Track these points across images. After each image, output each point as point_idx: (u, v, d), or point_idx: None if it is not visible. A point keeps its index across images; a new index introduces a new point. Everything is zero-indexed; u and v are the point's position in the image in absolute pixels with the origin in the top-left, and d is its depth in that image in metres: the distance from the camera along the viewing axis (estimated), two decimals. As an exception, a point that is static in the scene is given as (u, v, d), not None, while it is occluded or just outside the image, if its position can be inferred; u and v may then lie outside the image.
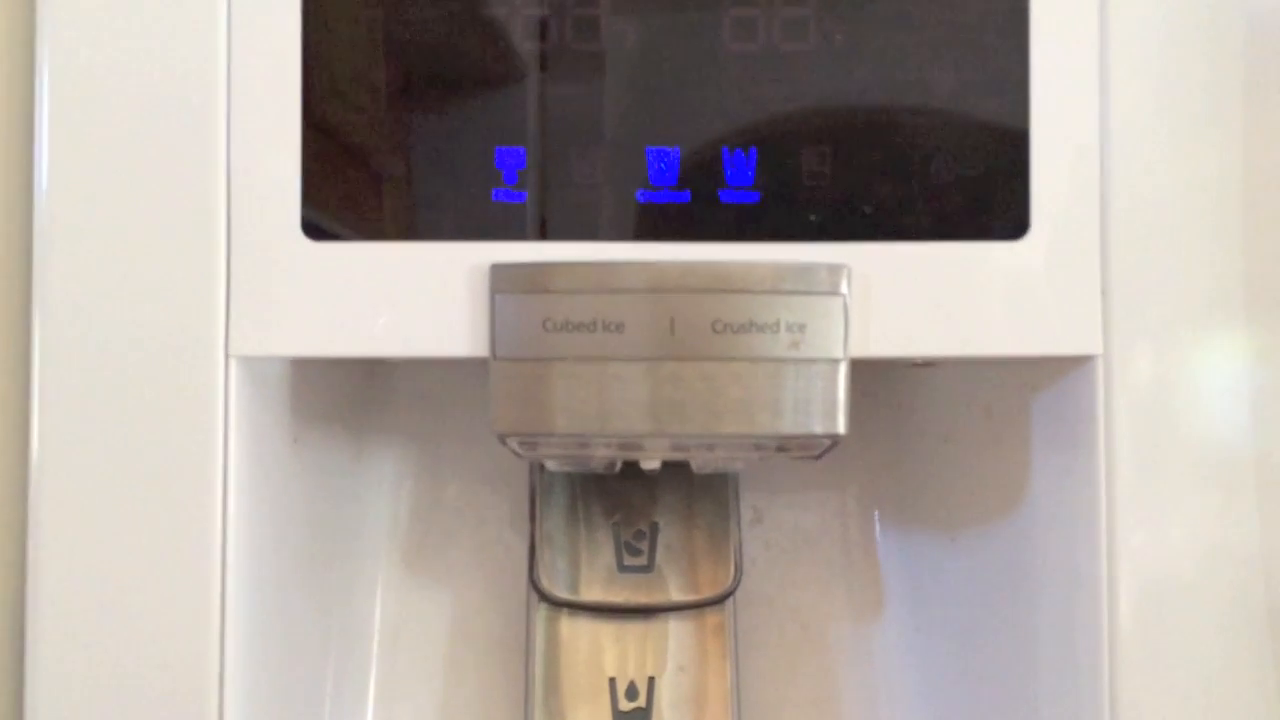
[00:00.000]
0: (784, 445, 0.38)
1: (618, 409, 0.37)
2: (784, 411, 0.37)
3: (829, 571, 0.56)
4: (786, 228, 0.39)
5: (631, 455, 0.42)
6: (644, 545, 0.51)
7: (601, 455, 0.41)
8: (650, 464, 0.44)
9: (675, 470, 0.52)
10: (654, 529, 0.51)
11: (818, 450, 0.39)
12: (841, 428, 0.38)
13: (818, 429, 0.37)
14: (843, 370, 0.38)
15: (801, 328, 0.37)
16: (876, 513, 0.55)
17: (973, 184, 0.39)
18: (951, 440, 0.50)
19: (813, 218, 0.39)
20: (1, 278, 0.40)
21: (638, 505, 0.51)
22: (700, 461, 0.45)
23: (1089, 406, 0.40)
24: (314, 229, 0.38)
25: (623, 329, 0.37)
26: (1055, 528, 0.43)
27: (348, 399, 0.52)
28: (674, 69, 0.39)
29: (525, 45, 0.39)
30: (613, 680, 0.51)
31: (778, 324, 0.37)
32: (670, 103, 0.39)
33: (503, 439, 0.38)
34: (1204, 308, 0.39)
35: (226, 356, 0.39)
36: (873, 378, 0.57)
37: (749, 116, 0.39)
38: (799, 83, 0.39)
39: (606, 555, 0.51)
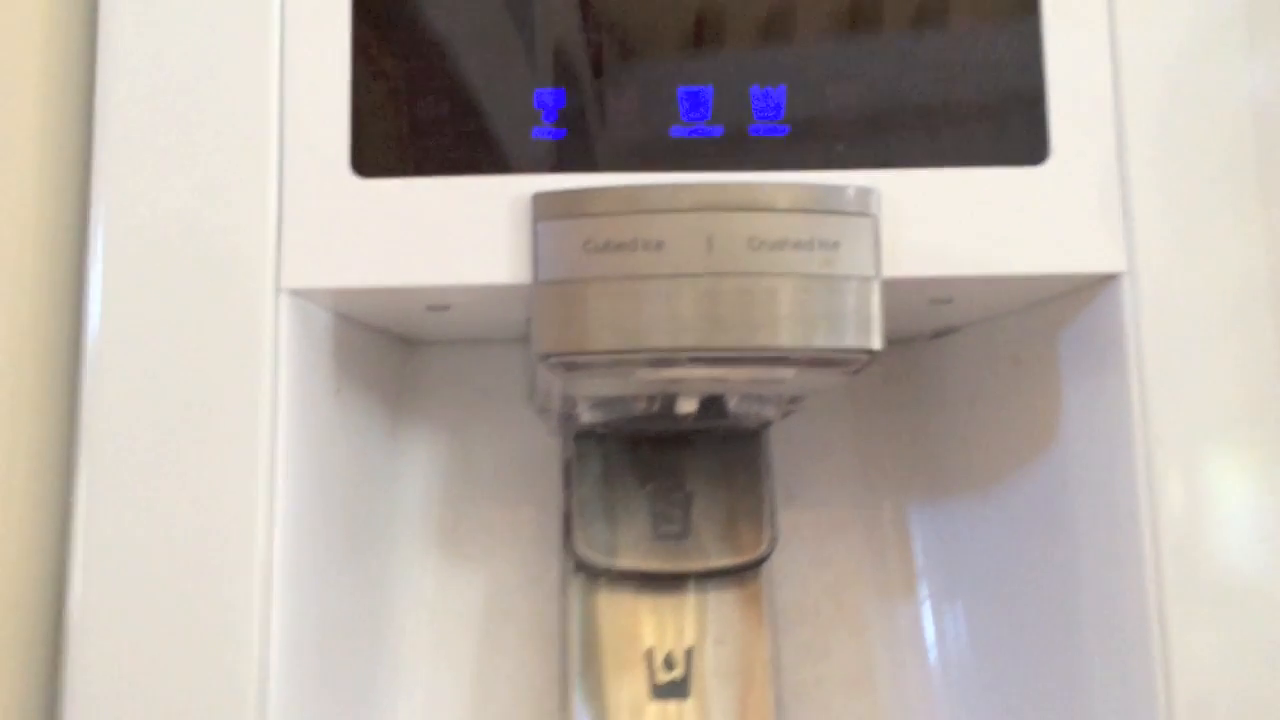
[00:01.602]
0: (819, 360, 0.39)
1: (657, 324, 0.38)
2: (818, 325, 0.38)
3: (862, 547, 0.55)
4: (815, 158, 0.40)
5: (670, 384, 0.42)
6: (678, 512, 0.51)
7: (641, 382, 0.42)
8: (687, 406, 0.45)
9: (707, 438, 0.52)
10: (688, 496, 0.51)
11: (853, 367, 0.39)
12: (876, 343, 0.39)
13: (851, 342, 0.38)
14: (875, 287, 0.39)
15: (835, 245, 0.38)
16: (906, 486, 0.55)
17: (994, 113, 0.41)
18: (978, 400, 0.51)
19: (840, 148, 0.40)
20: (60, 205, 0.41)
21: (671, 473, 0.52)
22: (737, 399, 0.46)
23: (1116, 328, 0.41)
24: (363, 166, 0.40)
25: (661, 247, 0.38)
26: (1090, 462, 0.43)
27: (386, 374, 0.53)
28: (704, 11, 0.41)
29: (563, -7, 0.41)
30: (650, 651, 0.50)
31: (812, 242, 0.38)
32: (701, 44, 0.41)
33: (545, 360, 0.38)
34: (1226, 224, 0.40)
35: (277, 290, 0.40)
36: (894, 360, 0.58)
37: (776, 55, 0.41)
38: (823, 21, 0.41)
39: (641, 523, 0.51)
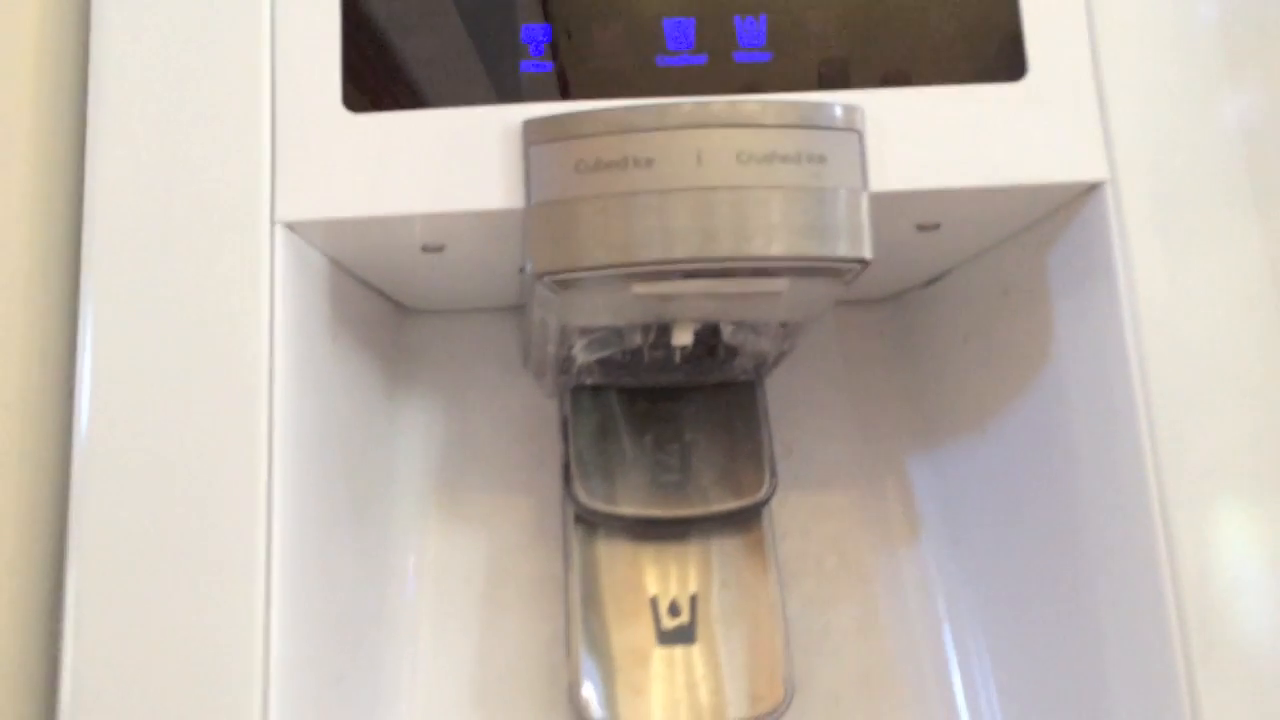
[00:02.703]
0: (811, 269, 0.39)
1: (650, 237, 0.38)
2: (809, 234, 0.38)
3: (862, 497, 0.55)
4: (799, 82, 0.41)
5: (664, 306, 0.43)
6: (676, 461, 0.51)
7: (635, 306, 0.42)
8: (682, 337, 0.45)
9: (703, 390, 0.52)
10: (686, 445, 0.51)
11: (846, 277, 0.40)
12: (867, 252, 0.39)
13: (842, 251, 0.39)
14: (864, 199, 0.39)
15: (821, 159, 0.39)
16: (903, 434, 0.56)
17: (971, 33, 0.42)
18: (971, 337, 0.51)
19: (823, 70, 0.41)
20: (55, 148, 0.42)
21: (669, 423, 0.52)
22: (731, 329, 0.46)
23: (1103, 239, 0.41)
24: (354, 102, 0.40)
25: (651, 164, 0.38)
26: (1084, 376, 0.43)
27: (382, 338, 0.53)
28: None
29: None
30: (654, 599, 0.50)
31: (799, 155, 0.39)
32: (682, -22, 0.42)
33: (541, 278, 0.39)
34: (1202, 130, 0.41)
35: (273, 223, 0.40)
36: (886, 314, 0.59)
37: (756, -14, 0.42)
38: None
39: (641, 472, 0.51)
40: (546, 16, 0.42)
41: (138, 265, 0.40)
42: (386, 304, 0.55)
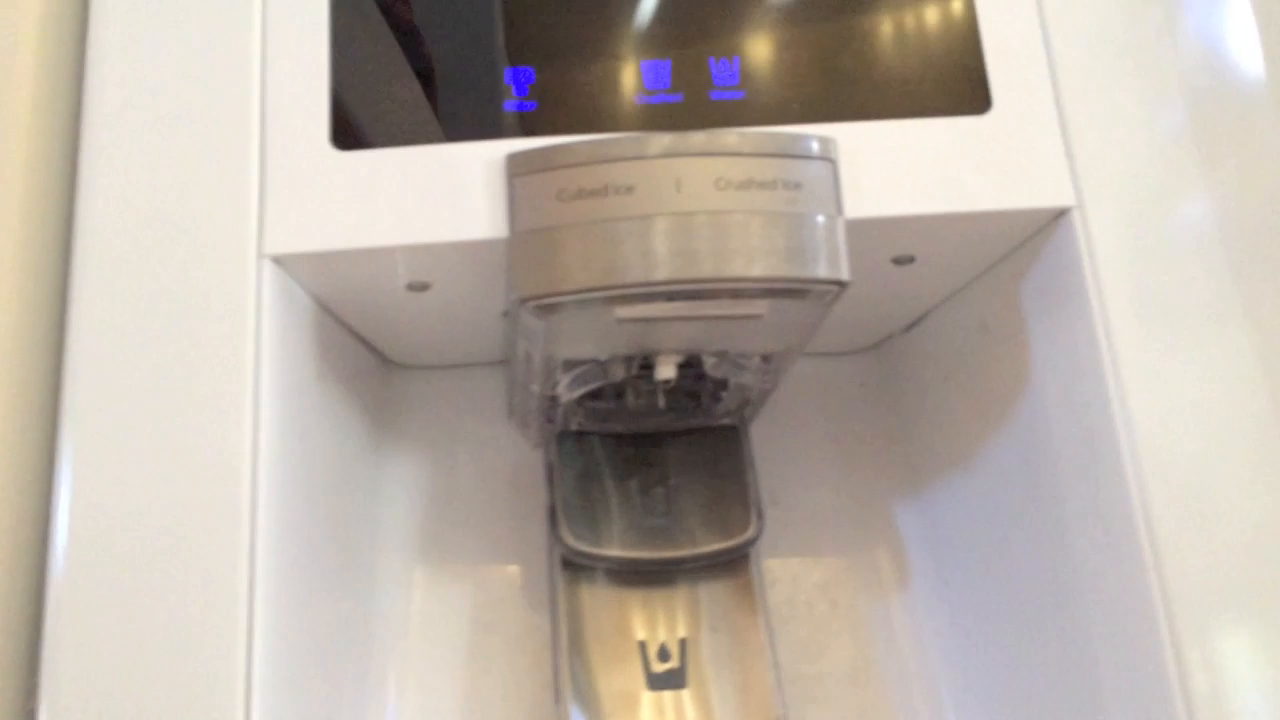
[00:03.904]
0: (790, 290, 0.40)
1: (631, 260, 0.39)
2: (788, 256, 0.39)
3: (850, 544, 0.55)
4: (773, 118, 0.43)
5: (646, 334, 0.43)
6: (662, 505, 0.51)
7: (617, 333, 0.42)
8: (665, 370, 0.45)
9: (688, 435, 0.53)
10: (672, 489, 0.51)
11: (824, 299, 0.40)
12: (844, 274, 0.40)
13: (820, 272, 0.39)
14: (839, 224, 0.40)
15: (797, 185, 0.40)
16: (888, 480, 0.56)
17: (938, 71, 0.43)
18: (952, 377, 0.52)
19: (795, 107, 0.43)
20: (48, 180, 0.42)
21: (653, 466, 0.52)
22: (714, 361, 0.46)
23: (1074, 263, 0.42)
24: (341, 139, 0.42)
25: (632, 191, 0.39)
26: (1063, 399, 0.44)
27: (367, 391, 0.53)
28: (660, -4, 0.44)
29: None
30: (643, 644, 0.49)
31: (775, 182, 0.40)
32: (660, 24, 0.44)
33: (524, 303, 0.39)
34: (1163, 156, 0.42)
35: (260, 257, 0.41)
36: (867, 363, 0.60)
37: (731, 30, 0.44)
38: (773, 4, 0.44)
39: (627, 515, 0.50)
40: (529, 59, 0.43)
41: (125, 295, 0.40)
42: (372, 357, 0.55)
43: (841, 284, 0.40)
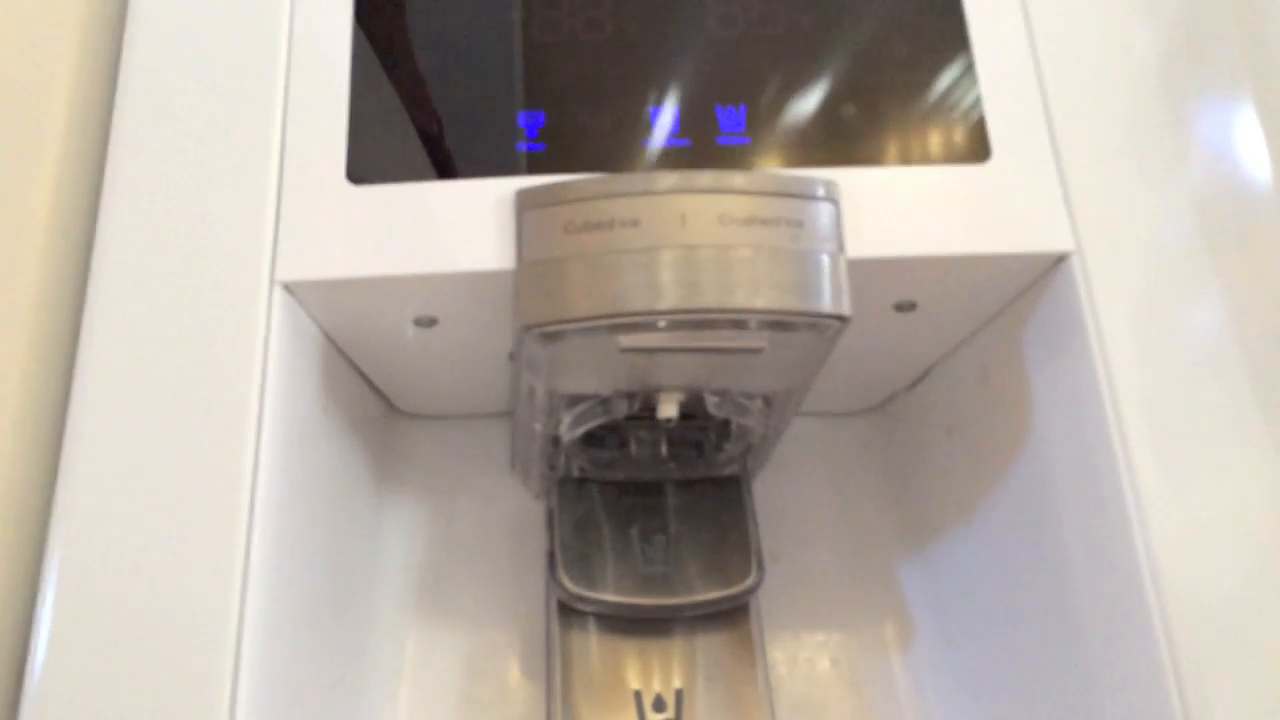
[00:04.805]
0: (792, 323, 0.40)
1: (635, 289, 0.39)
2: (791, 289, 0.40)
3: (851, 602, 0.54)
4: (778, 163, 0.44)
5: (649, 368, 0.43)
6: (662, 553, 0.50)
7: (620, 367, 0.43)
8: (668, 409, 0.45)
9: (689, 485, 0.52)
10: (672, 538, 0.51)
11: (827, 334, 0.41)
12: (846, 309, 0.40)
13: (823, 306, 0.40)
14: (842, 261, 0.41)
15: (800, 224, 0.41)
16: (891, 537, 0.55)
17: (940, 122, 0.44)
18: (954, 430, 0.52)
19: (800, 152, 0.44)
20: (70, 202, 0.43)
21: (654, 515, 0.51)
22: (717, 400, 0.46)
23: (1074, 308, 0.43)
24: (357, 175, 0.43)
25: (638, 224, 0.40)
26: (1067, 447, 0.44)
27: (370, 439, 0.53)
28: (672, 49, 0.46)
29: (544, 35, 0.46)
30: (638, 693, 0.48)
31: (778, 220, 0.41)
32: (668, 74, 0.45)
33: (529, 330, 0.40)
34: (1159, 200, 0.43)
35: (272, 283, 0.41)
36: (871, 426, 0.60)
37: (737, 82, 0.45)
38: (778, 55, 0.46)
39: (626, 562, 0.50)
40: (541, 103, 0.45)
41: (137, 315, 0.41)
42: (378, 403, 0.56)
43: (843, 319, 0.40)
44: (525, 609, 0.53)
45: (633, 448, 0.51)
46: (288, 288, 0.42)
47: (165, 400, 0.40)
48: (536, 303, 0.40)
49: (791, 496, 0.57)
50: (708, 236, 0.40)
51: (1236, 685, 0.38)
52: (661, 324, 0.40)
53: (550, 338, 0.40)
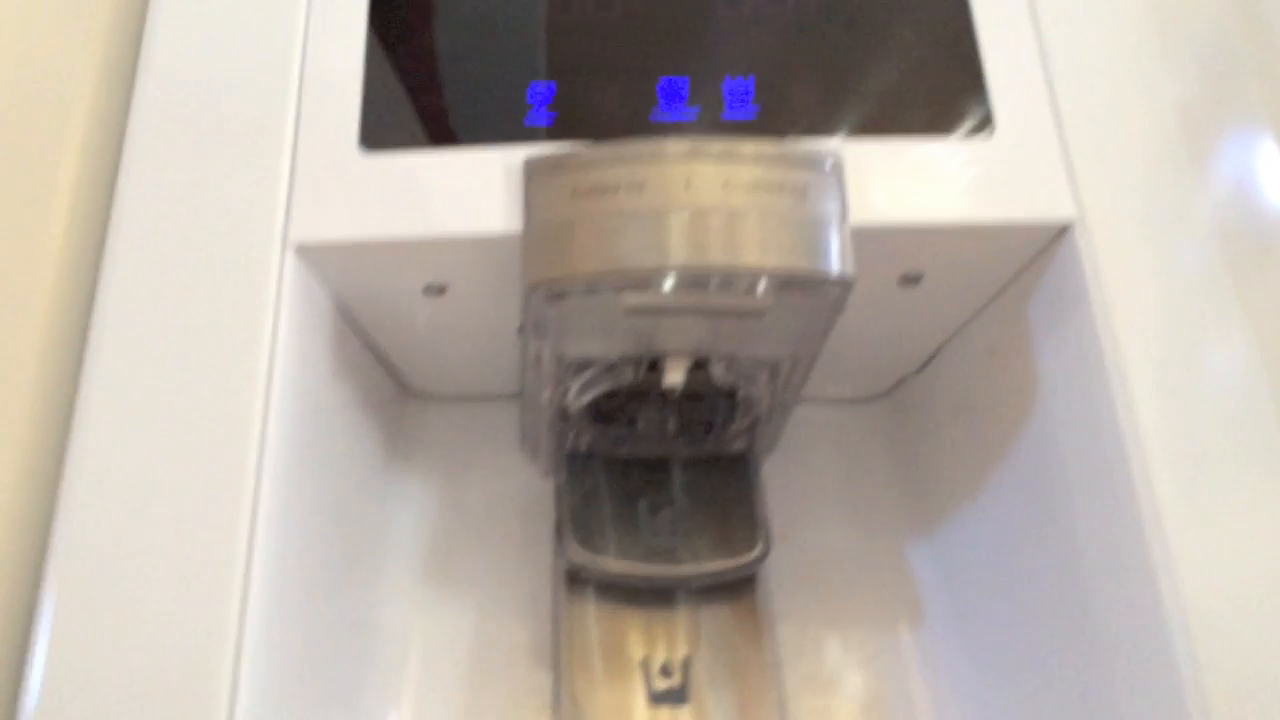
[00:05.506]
0: (796, 282, 0.40)
1: (640, 248, 0.40)
2: (796, 250, 0.40)
3: (862, 580, 0.54)
4: (784, 134, 0.44)
5: (653, 330, 0.44)
6: (669, 525, 0.51)
7: (625, 328, 0.43)
8: (674, 374, 0.46)
9: (696, 462, 0.53)
10: (679, 511, 0.51)
11: (829, 296, 0.41)
12: (850, 270, 0.40)
13: (827, 267, 0.40)
14: (845, 229, 0.41)
15: (803, 191, 0.42)
16: (900, 516, 0.55)
17: (944, 95, 0.45)
18: (961, 408, 0.52)
19: (805, 125, 0.44)
20: (91, 168, 0.45)
21: (662, 489, 0.52)
22: (723, 366, 0.46)
23: (1078, 277, 0.43)
24: (370, 141, 0.44)
25: (644, 188, 0.41)
26: (1073, 418, 0.44)
27: (380, 418, 0.54)
28: (680, 22, 0.46)
29: (556, 7, 0.47)
30: (644, 660, 0.48)
31: (782, 187, 0.41)
32: (677, 47, 0.46)
33: (535, 289, 0.40)
34: (1162, 170, 0.43)
35: (284, 245, 0.42)
36: (881, 412, 0.60)
37: (744, 55, 0.46)
38: (784, 29, 0.46)
39: (633, 533, 0.50)
40: (552, 75, 0.46)
41: (153, 277, 0.42)
42: (388, 382, 0.56)
43: (847, 282, 0.41)
44: (533, 580, 0.53)
45: (641, 425, 0.51)
46: (300, 251, 0.43)
47: (177, 361, 0.41)
48: (543, 261, 0.41)
49: (802, 481, 0.57)
50: (714, 200, 0.41)
51: (1249, 644, 0.38)
52: (668, 282, 0.40)
53: (557, 297, 0.41)
